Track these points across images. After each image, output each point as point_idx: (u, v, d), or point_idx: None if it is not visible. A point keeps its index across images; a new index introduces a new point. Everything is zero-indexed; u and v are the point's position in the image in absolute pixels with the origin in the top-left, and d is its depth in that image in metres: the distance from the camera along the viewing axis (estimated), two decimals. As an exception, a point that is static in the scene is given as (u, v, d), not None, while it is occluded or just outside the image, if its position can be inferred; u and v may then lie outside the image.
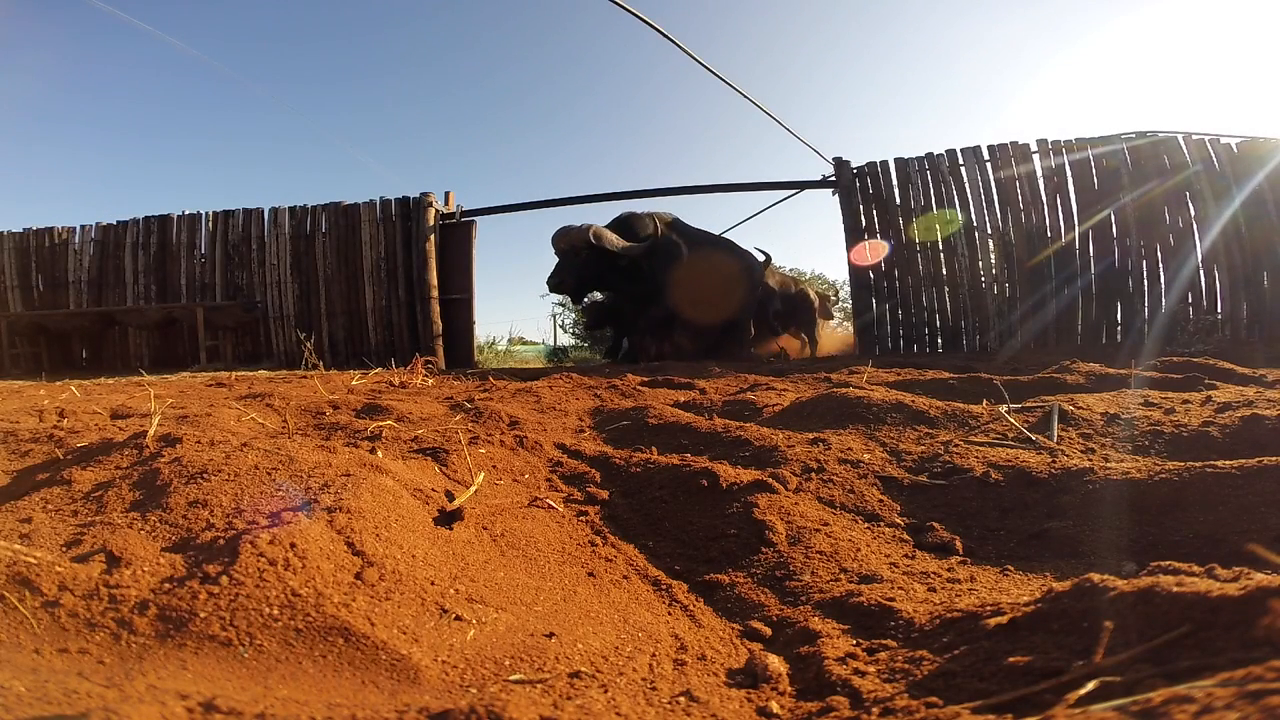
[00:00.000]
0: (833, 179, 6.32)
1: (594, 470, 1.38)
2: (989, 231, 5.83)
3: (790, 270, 9.67)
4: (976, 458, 1.29)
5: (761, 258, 6.55)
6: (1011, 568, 0.93)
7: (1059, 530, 1.02)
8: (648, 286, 6.03)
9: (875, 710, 0.57)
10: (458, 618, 0.73)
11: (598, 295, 6.75)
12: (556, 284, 5.67)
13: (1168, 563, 0.78)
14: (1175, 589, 0.54)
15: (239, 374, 4.00)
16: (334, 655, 0.64)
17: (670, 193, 6.45)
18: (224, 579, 0.69)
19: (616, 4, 4.51)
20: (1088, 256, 5.62)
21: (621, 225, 6.02)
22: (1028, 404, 1.63)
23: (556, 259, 5.78)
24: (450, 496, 1.05)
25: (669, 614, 0.85)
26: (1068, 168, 5.67)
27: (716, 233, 6.72)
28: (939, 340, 6.03)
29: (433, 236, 6.27)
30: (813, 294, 7.95)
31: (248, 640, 0.64)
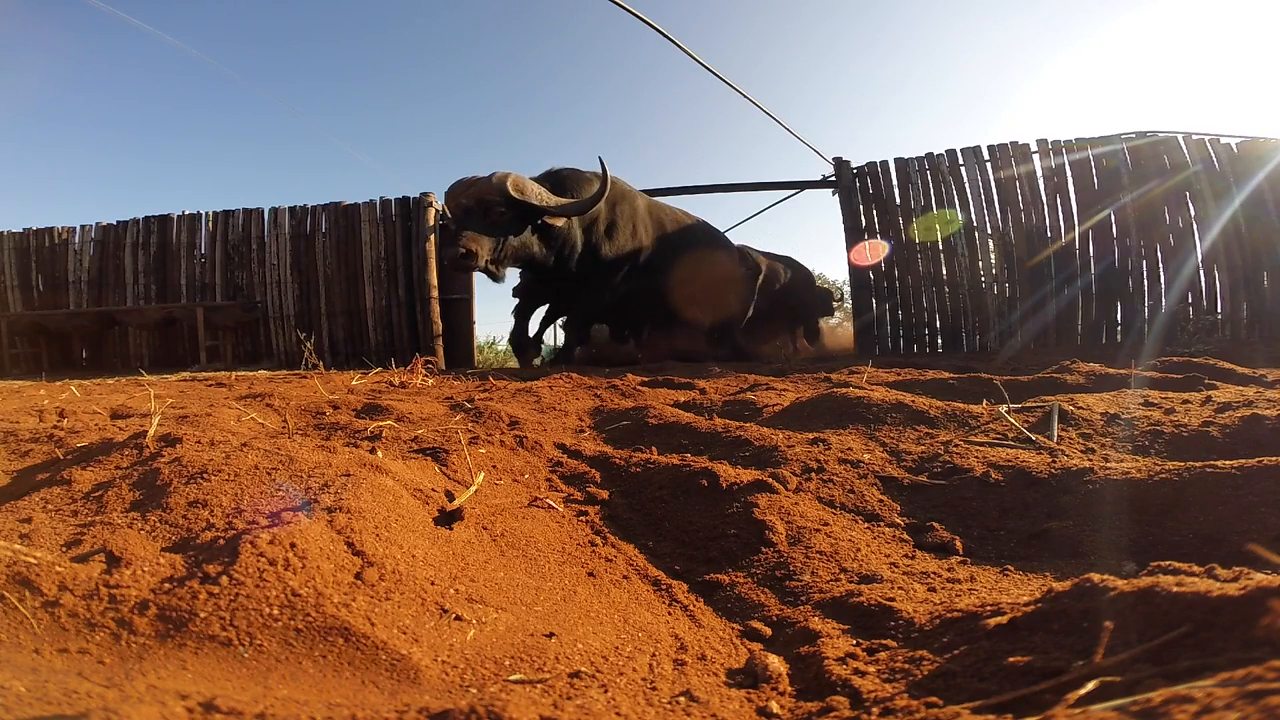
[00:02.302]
0: (833, 179, 6.32)
1: (594, 470, 1.38)
2: (989, 231, 5.83)
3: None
4: (976, 458, 1.29)
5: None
6: (1011, 568, 0.93)
7: (1059, 530, 1.02)
8: (594, 267, 4.56)
9: (875, 710, 0.57)
10: (458, 618, 0.73)
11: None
12: (460, 257, 3.90)
13: (1168, 563, 0.78)
14: (1175, 589, 0.54)
15: (239, 374, 4.00)
16: (334, 655, 0.64)
17: (669, 193, 6.44)
18: (224, 579, 0.69)
19: (616, 4, 4.51)
20: (1088, 256, 5.61)
21: (554, 181, 4.51)
22: (1028, 404, 1.63)
23: (455, 223, 4.23)
24: (450, 496, 1.05)
25: (669, 614, 0.85)
26: (1068, 168, 5.67)
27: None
28: (939, 340, 6.03)
29: (433, 236, 6.26)
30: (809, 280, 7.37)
31: (248, 640, 0.64)
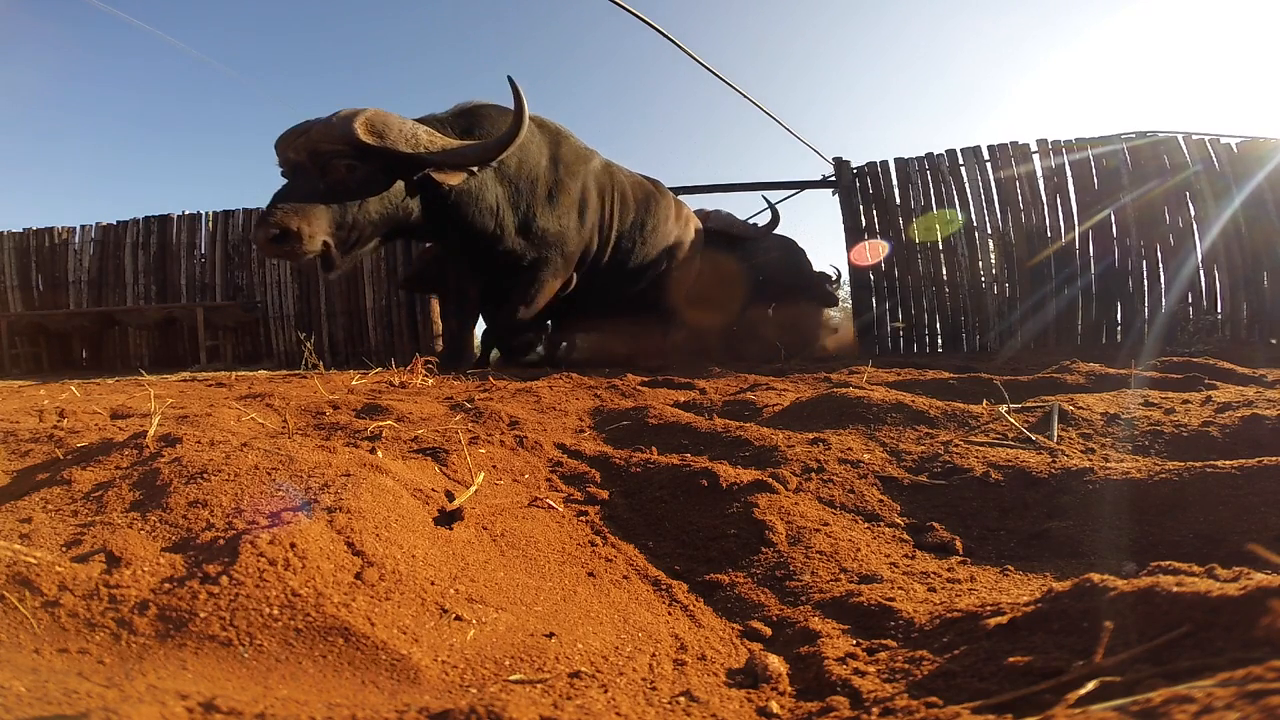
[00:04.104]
0: (833, 179, 6.32)
1: (594, 470, 1.38)
2: (989, 231, 5.83)
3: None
4: (976, 458, 1.29)
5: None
6: (1011, 568, 0.93)
7: (1059, 530, 1.02)
8: (526, 247, 3.41)
9: (875, 710, 0.57)
10: (458, 618, 0.73)
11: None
12: (271, 240, 2.64)
13: (1168, 563, 0.78)
14: (1175, 589, 0.54)
15: (239, 374, 4.00)
16: (334, 655, 0.64)
17: (670, 193, 6.40)
18: (224, 579, 0.69)
19: (614, 2, 4.50)
20: (1088, 256, 5.62)
21: (464, 120, 3.28)
22: (1028, 404, 1.63)
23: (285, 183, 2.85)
24: (450, 496, 1.05)
25: (669, 614, 0.85)
26: (1068, 168, 5.68)
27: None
28: (939, 340, 6.03)
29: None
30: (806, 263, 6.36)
31: (248, 640, 0.64)
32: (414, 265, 4.21)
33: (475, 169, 3.00)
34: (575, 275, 3.82)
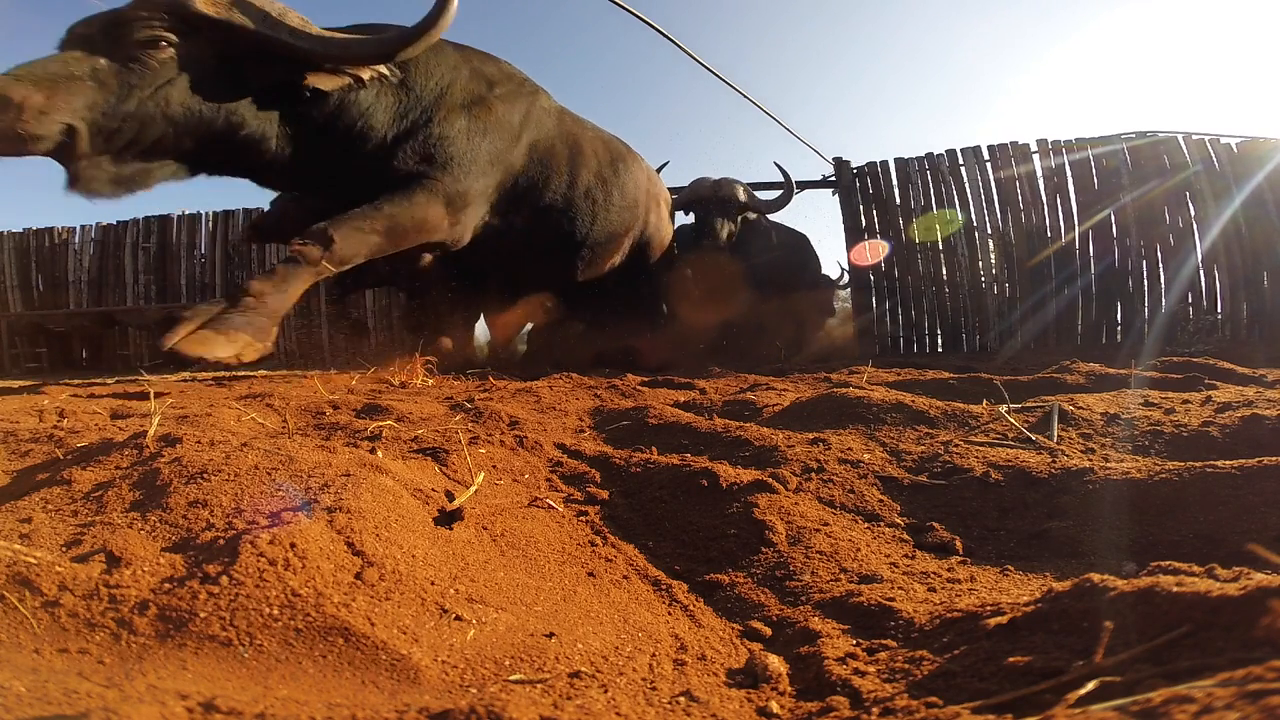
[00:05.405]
0: (833, 179, 6.32)
1: (594, 470, 1.38)
2: (989, 231, 5.83)
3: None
4: (976, 458, 1.29)
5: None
6: (1011, 568, 0.93)
7: (1059, 530, 1.02)
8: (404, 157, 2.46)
9: (875, 710, 0.57)
10: (458, 618, 0.73)
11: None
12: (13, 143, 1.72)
13: (1168, 563, 0.78)
14: (1175, 589, 0.54)
15: (239, 374, 4.00)
16: (334, 655, 0.64)
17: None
18: (224, 579, 0.69)
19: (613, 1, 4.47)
20: (1088, 256, 5.62)
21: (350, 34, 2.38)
22: (1028, 404, 1.63)
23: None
24: (450, 496, 1.05)
25: (669, 614, 0.85)
26: (1068, 168, 5.67)
27: None
28: (939, 340, 6.03)
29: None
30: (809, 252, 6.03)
31: (248, 640, 0.64)
32: (269, 208, 3.02)
33: (364, 73, 2.16)
34: (479, 234, 2.82)
